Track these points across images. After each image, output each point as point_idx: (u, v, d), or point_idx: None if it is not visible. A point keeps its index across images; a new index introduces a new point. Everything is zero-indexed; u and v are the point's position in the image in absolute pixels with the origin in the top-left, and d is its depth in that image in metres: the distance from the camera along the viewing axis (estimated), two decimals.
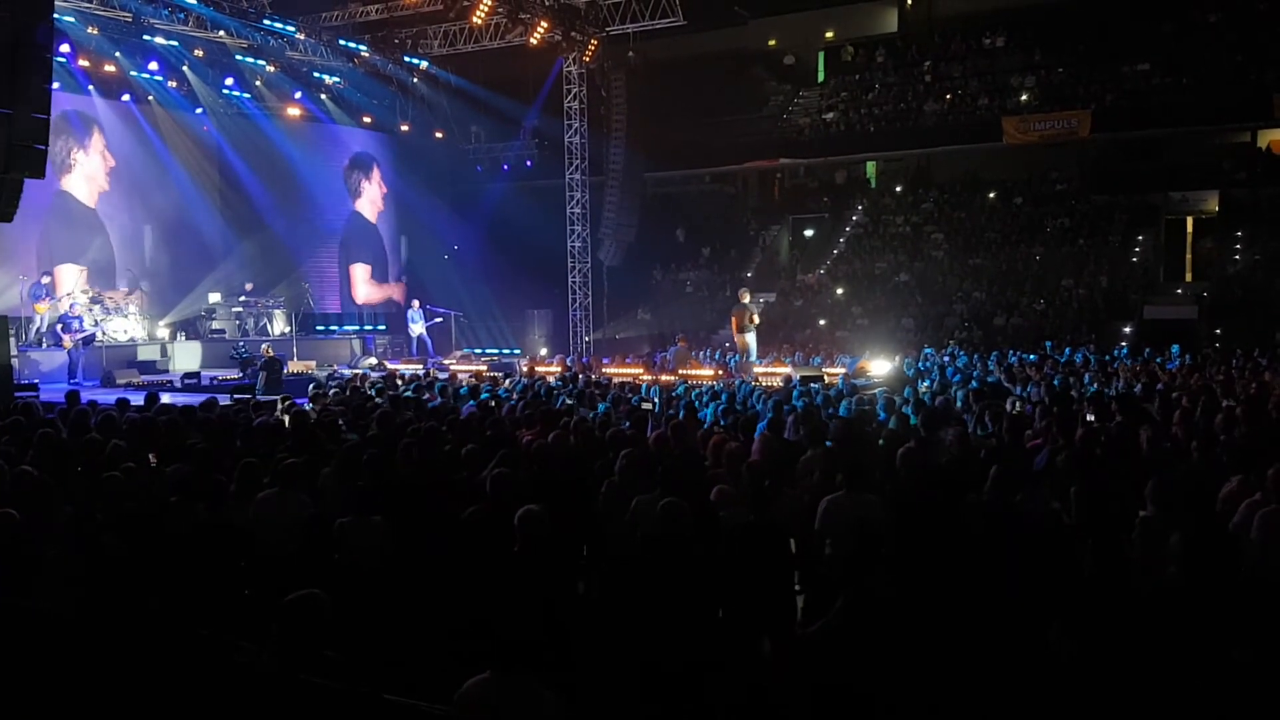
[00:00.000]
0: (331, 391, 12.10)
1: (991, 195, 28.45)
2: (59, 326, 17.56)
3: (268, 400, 12.09)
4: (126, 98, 21.29)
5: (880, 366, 17.45)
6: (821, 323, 25.07)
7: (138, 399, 10.86)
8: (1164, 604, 4.30)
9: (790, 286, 27.60)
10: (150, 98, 21.72)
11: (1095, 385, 12.89)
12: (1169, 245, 25.96)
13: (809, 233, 30.93)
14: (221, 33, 21.35)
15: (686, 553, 4.90)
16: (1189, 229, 26.58)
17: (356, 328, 24.75)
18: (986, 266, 25.95)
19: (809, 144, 29.22)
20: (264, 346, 18.04)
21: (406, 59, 24.23)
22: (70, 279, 19.98)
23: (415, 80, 25.63)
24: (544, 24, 21.04)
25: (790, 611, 5.31)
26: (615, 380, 14.78)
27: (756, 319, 17.20)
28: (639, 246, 25.49)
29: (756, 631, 4.87)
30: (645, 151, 24.95)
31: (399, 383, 14.23)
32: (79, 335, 17.41)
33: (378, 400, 11.14)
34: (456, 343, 22.94)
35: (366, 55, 23.65)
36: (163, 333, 20.74)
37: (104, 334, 18.65)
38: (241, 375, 17.82)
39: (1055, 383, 12.45)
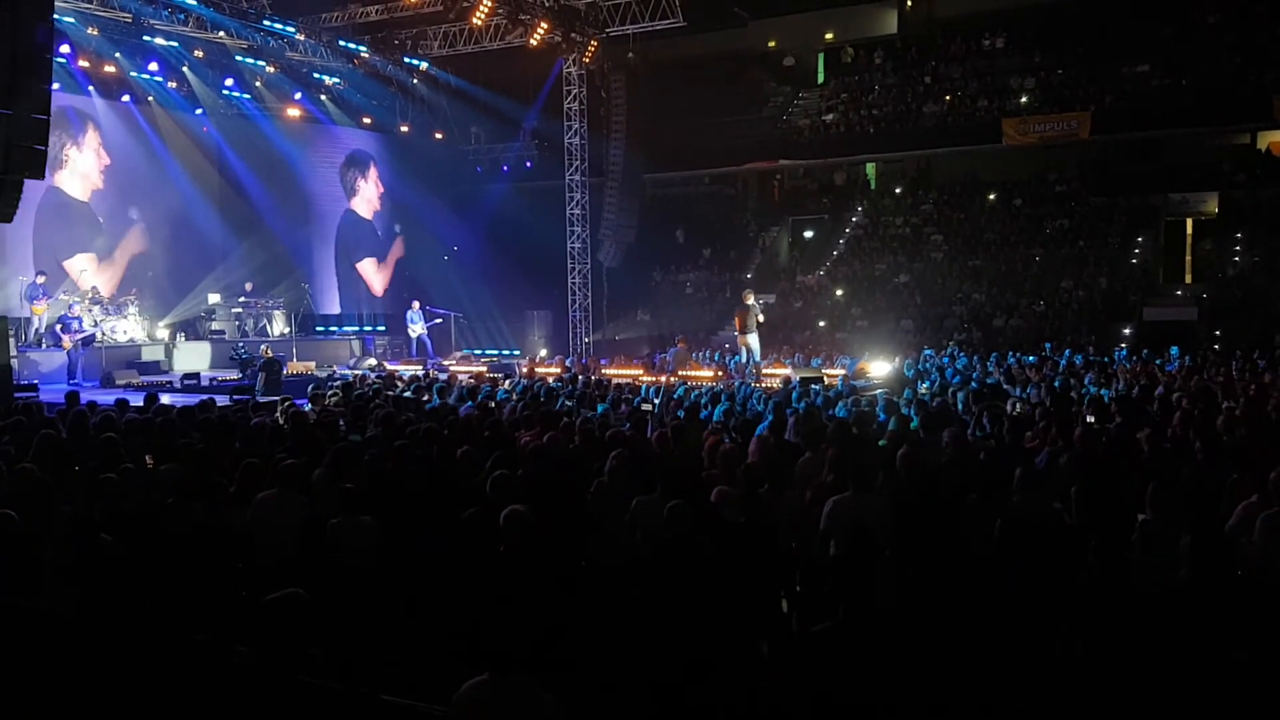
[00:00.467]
0: (329, 393, 12.09)
1: (991, 197, 28.46)
2: (58, 327, 17.55)
3: (267, 401, 12.10)
4: (126, 98, 21.29)
5: (880, 368, 17.46)
6: (821, 324, 25.08)
7: (137, 400, 10.87)
8: (1174, 607, 4.30)
9: (790, 288, 27.60)
10: (150, 98, 21.72)
11: (1095, 387, 12.88)
12: (1168, 247, 25.97)
13: (809, 234, 30.93)
14: (221, 33, 21.36)
15: (689, 555, 4.91)
16: (1188, 230, 26.59)
17: (356, 328, 24.76)
18: (986, 268, 25.96)
19: (809, 145, 29.23)
20: (263, 347, 18.04)
21: (406, 60, 24.23)
22: (79, 269, 20.05)
23: (415, 81, 25.65)
24: (544, 25, 21.04)
25: (785, 614, 5.31)
26: (615, 382, 14.78)
27: (761, 318, 17.22)
28: (638, 248, 25.49)
29: (755, 634, 4.87)
30: (645, 153, 24.96)
31: (398, 384, 14.24)
32: (78, 336, 17.40)
33: (376, 401, 11.14)
34: (456, 344, 22.94)
35: (366, 56, 23.66)
36: (162, 333, 20.73)
37: (104, 334, 18.64)
38: (241, 376, 17.83)
39: (1056, 384, 12.45)
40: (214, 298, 22.00)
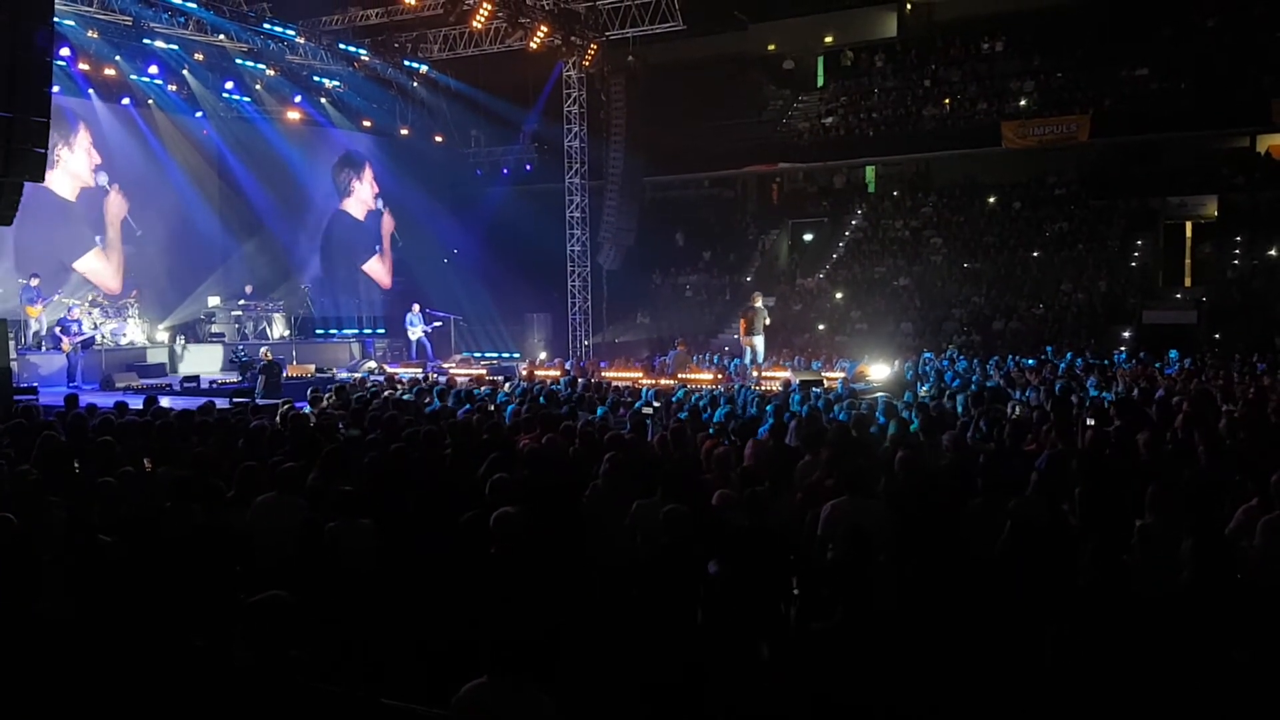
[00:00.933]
0: (326, 395, 12.09)
1: (990, 200, 28.48)
2: (58, 329, 17.55)
3: (267, 404, 12.10)
4: (126, 101, 21.29)
5: (879, 371, 17.48)
6: (821, 327, 25.08)
7: (137, 402, 10.87)
8: (1176, 610, 4.29)
9: (789, 291, 27.61)
10: (150, 101, 21.72)
11: (1096, 390, 12.89)
12: (1168, 250, 26.00)
13: (808, 237, 30.96)
14: (221, 36, 21.38)
15: (688, 558, 4.91)
16: (1188, 233, 26.61)
17: (356, 331, 24.77)
18: (985, 271, 25.97)
19: (808, 148, 29.26)
20: (263, 350, 18.04)
21: (406, 63, 24.25)
22: (91, 267, 20.05)
23: (415, 84, 25.67)
24: (544, 28, 21.06)
25: (786, 616, 5.30)
26: (614, 385, 14.79)
27: (768, 321, 17.26)
28: (638, 250, 25.50)
29: (755, 637, 4.86)
30: (645, 156, 24.96)
31: (398, 386, 14.25)
32: (78, 339, 17.40)
33: (373, 404, 11.14)
34: (456, 346, 22.94)
35: (366, 59, 23.69)
36: (162, 336, 20.73)
37: (103, 337, 18.64)
38: (241, 379, 17.83)
39: (1057, 388, 12.45)
40: (214, 300, 22.01)
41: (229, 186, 23.31)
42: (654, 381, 16.62)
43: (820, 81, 32.54)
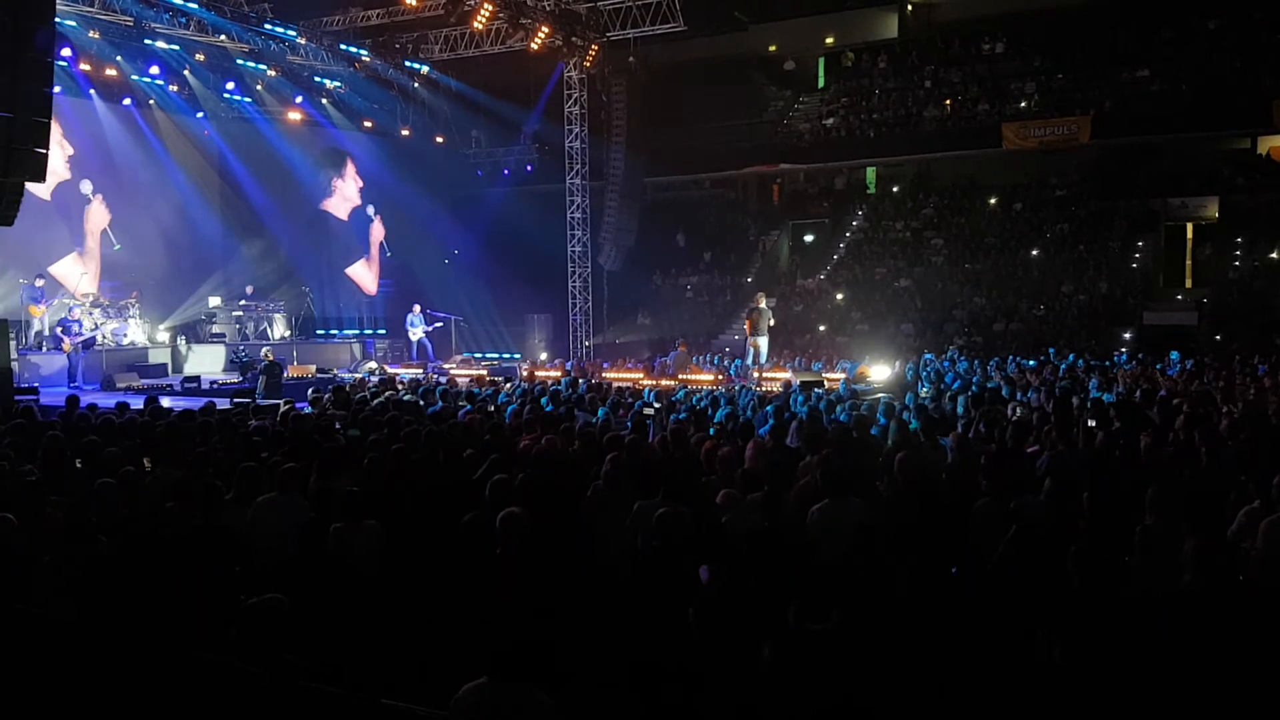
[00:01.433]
0: (326, 397, 12.09)
1: (991, 201, 28.47)
2: (59, 330, 17.56)
3: (268, 404, 12.10)
4: (127, 101, 21.31)
5: (880, 372, 17.48)
6: (821, 328, 25.07)
7: (138, 403, 10.88)
8: (1180, 612, 4.28)
9: (790, 291, 27.60)
10: (151, 102, 21.74)
11: (1098, 391, 12.88)
12: (1169, 251, 25.98)
13: (809, 238, 30.95)
14: (223, 37, 21.40)
15: (684, 560, 4.89)
16: (1189, 235, 26.58)
17: (356, 332, 24.77)
18: (986, 272, 25.95)
19: (809, 149, 29.25)
20: (264, 351, 18.05)
21: (407, 64, 24.26)
22: (73, 272, 19.94)
23: (416, 85, 25.68)
24: (545, 29, 21.06)
25: (786, 618, 5.29)
26: (615, 385, 14.79)
27: (772, 322, 17.30)
28: (639, 251, 25.50)
29: (757, 638, 4.85)
30: (645, 156, 24.96)
31: (399, 386, 14.24)
32: (79, 339, 17.41)
33: (372, 404, 11.13)
34: (456, 347, 22.95)
35: (367, 60, 23.70)
36: (163, 336, 20.75)
37: (104, 337, 18.64)
38: (242, 379, 17.84)
39: (1058, 390, 12.44)
40: (214, 301, 22.02)
41: (230, 187, 23.33)
42: (655, 382, 16.63)
43: (821, 82, 32.53)
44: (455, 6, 19.74)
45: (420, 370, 19.04)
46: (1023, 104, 27.03)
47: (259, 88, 23.47)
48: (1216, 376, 14.90)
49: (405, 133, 26.32)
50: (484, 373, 18.83)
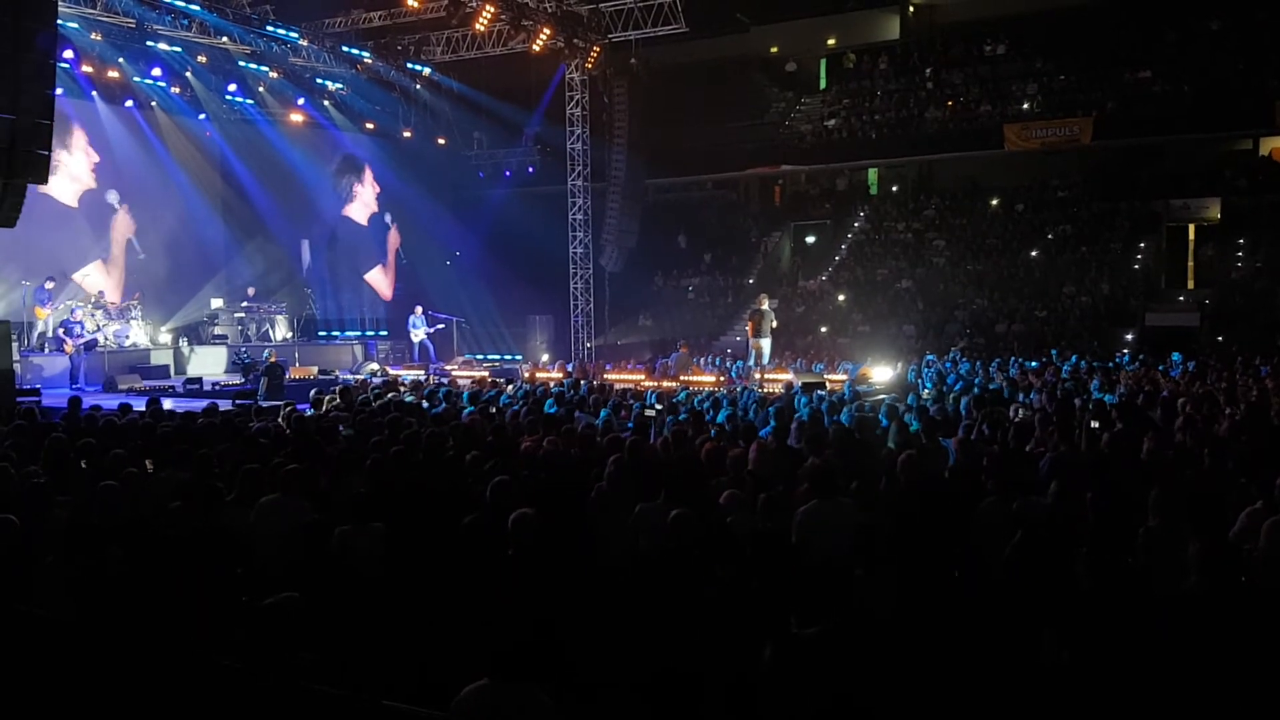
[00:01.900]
0: (328, 397, 12.10)
1: (993, 202, 28.47)
2: (61, 331, 17.58)
3: (270, 406, 12.10)
4: (130, 103, 21.34)
5: (882, 373, 17.48)
6: (823, 329, 25.07)
7: (140, 404, 10.88)
8: (1185, 614, 4.28)
9: (792, 293, 27.60)
10: (153, 103, 21.77)
11: (1101, 392, 12.87)
12: (1170, 252, 25.96)
13: (811, 239, 30.95)
14: (225, 39, 21.42)
15: (694, 563, 4.89)
16: (1190, 236, 26.57)
17: (358, 333, 24.78)
18: (988, 273, 25.95)
19: (811, 150, 29.25)
20: (267, 352, 18.06)
21: (409, 65, 24.28)
22: (86, 276, 20.10)
23: (418, 86, 25.70)
24: (546, 31, 21.07)
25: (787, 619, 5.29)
26: (616, 387, 14.79)
27: (774, 323, 17.30)
28: (640, 253, 25.50)
29: (759, 640, 4.85)
30: (647, 158, 24.98)
31: (400, 388, 14.24)
32: (80, 340, 17.43)
33: (374, 406, 11.13)
34: (458, 348, 22.96)
35: (369, 61, 23.71)
36: (165, 338, 20.77)
37: (106, 339, 18.67)
38: (244, 381, 17.85)
39: (1061, 390, 12.43)
40: (217, 302, 22.04)
41: (232, 188, 23.35)
42: (656, 384, 16.63)
43: (823, 84, 32.55)
44: (457, 8, 19.75)
45: (422, 372, 19.04)
46: (1024, 105, 27.02)
47: (261, 89, 23.49)
48: (1218, 378, 14.89)
49: (407, 134, 26.33)
50: (485, 374, 18.83)
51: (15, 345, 15.23)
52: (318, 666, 3.58)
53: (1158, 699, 3.93)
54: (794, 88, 32.29)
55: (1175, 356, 17.81)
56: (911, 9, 30.94)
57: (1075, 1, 27.60)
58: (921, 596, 4.85)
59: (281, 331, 22.67)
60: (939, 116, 28.10)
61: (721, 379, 17.65)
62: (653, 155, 25.40)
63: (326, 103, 24.84)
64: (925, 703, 4.00)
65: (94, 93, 20.58)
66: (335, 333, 24.45)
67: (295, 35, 21.88)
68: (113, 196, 21.07)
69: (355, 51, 23.20)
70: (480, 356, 23.36)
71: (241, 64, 22.54)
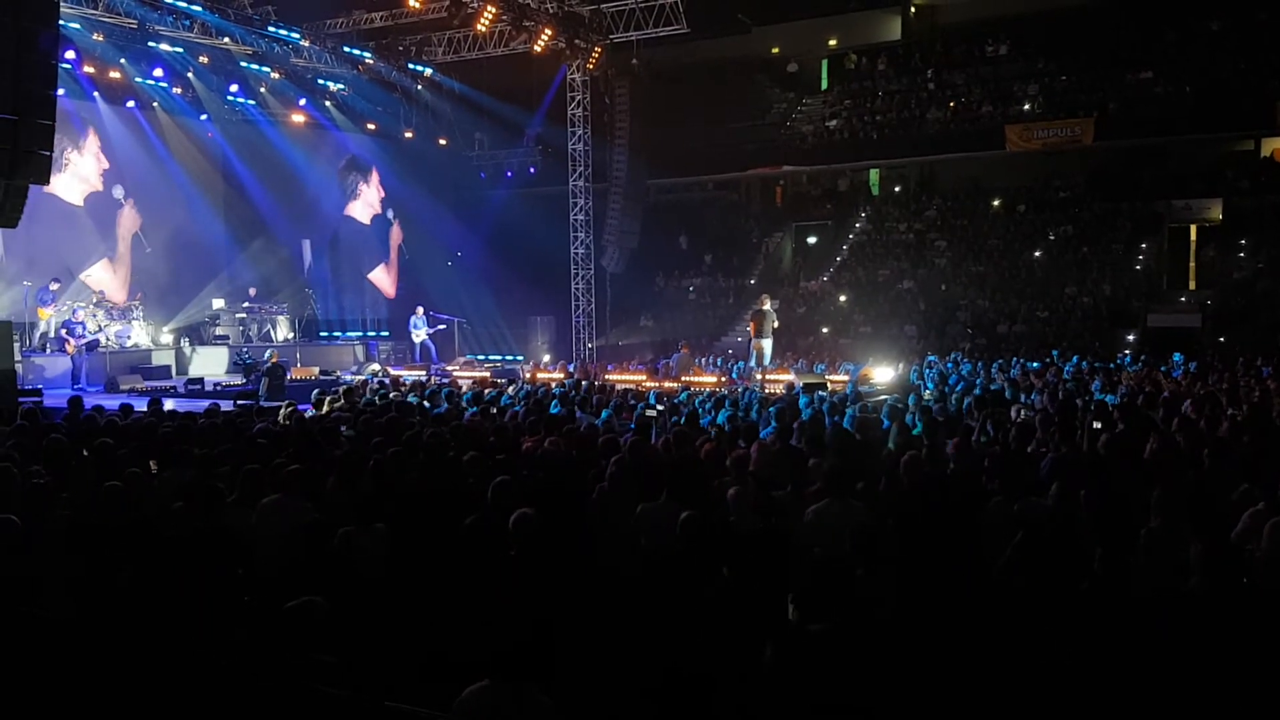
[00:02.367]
0: (331, 398, 12.10)
1: (995, 203, 28.46)
2: (63, 331, 17.59)
3: (271, 406, 12.10)
4: (131, 104, 21.35)
5: (883, 374, 17.47)
6: (824, 330, 25.07)
7: (142, 405, 10.88)
8: (1187, 614, 4.27)
9: (793, 293, 27.61)
10: (155, 104, 21.78)
11: (1103, 393, 12.86)
12: (1172, 253, 25.96)
13: (812, 240, 30.95)
14: (226, 40, 21.43)
15: (697, 564, 4.89)
16: (1192, 237, 26.56)
17: (360, 334, 24.79)
18: (989, 274, 25.95)
19: (812, 151, 29.27)
20: (269, 352, 18.06)
21: (410, 66, 24.29)
22: (95, 277, 20.19)
23: (419, 87, 25.71)
24: (548, 31, 21.08)
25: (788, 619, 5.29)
26: (618, 387, 14.79)
27: (776, 324, 17.31)
28: (642, 253, 25.51)
29: (761, 639, 4.85)
30: (648, 158, 24.99)
31: (402, 388, 14.24)
32: (82, 341, 17.43)
33: (376, 405, 11.13)
34: (459, 349, 22.96)
35: (371, 62, 23.72)
36: (166, 338, 20.78)
37: (107, 339, 18.67)
38: (245, 381, 17.86)
39: (1063, 391, 12.42)
40: (218, 303, 22.05)
41: (233, 189, 23.36)
42: (658, 384, 16.63)
43: (824, 84, 32.55)
44: (458, 9, 19.76)
45: (423, 372, 19.04)
46: (1026, 106, 27.02)
47: (262, 90, 23.50)
48: (1220, 378, 14.88)
49: (408, 135, 26.33)
50: (487, 374, 18.84)
51: (17, 346, 15.23)
52: (338, 670, 3.58)
53: (1159, 699, 3.92)
54: (795, 88, 32.30)
55: (1177, 357, 17.80)
56: (913, 9, 30.94)
57: (1076, 2, 27.60)
58: (922, 596, 4.84)
59: (283, 332, 22.68)
60: (940, 117, 28.11)
61: (723, 379, 17.65)
62: (654, 156, 25.41)
63: (328, 103, 24.85)
64: (926, 702, 3.99)
65: (96, 93, 20.59)
66: (336, 333, 24.45)
67: (297, 36, 21.89)
68: (118, 191, 21.12)
69: (357, 52, 23.21)
70: (481, 357, 23.36)
71: (243, 64, 22.55)
